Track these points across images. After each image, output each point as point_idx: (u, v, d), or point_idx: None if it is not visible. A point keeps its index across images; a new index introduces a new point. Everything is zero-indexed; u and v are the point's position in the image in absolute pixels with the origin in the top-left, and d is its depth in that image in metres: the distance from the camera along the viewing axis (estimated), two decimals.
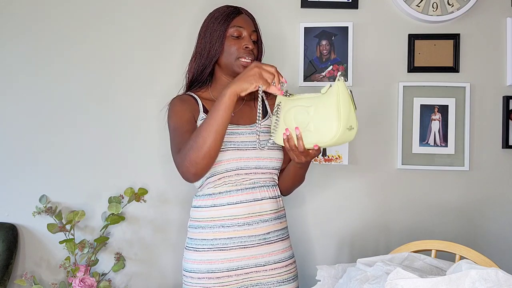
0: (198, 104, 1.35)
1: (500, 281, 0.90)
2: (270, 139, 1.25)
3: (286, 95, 1.21)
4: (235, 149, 1.28)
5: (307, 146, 1.16)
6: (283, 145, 1.21)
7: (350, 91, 1.14)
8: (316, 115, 1.13)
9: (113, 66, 1.76)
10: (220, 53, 1.33)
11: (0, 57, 1.77)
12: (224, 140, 1.25)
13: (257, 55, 1.39)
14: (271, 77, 1.17)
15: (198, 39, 1.41)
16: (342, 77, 1.13)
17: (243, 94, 1.17)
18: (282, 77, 1.19)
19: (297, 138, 1.16)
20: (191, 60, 1.43)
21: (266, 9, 1.74)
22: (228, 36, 1.33)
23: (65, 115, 1.76)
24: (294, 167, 1.33)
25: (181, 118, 1.31)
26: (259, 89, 1.17)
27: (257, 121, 1.22)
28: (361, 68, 1.74)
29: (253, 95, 1.43)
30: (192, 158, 1.18)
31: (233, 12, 1.35)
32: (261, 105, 1.21)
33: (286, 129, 1.18)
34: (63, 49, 1.77)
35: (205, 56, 1.36)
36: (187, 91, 1.44)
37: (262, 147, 1.25)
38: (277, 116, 1.23)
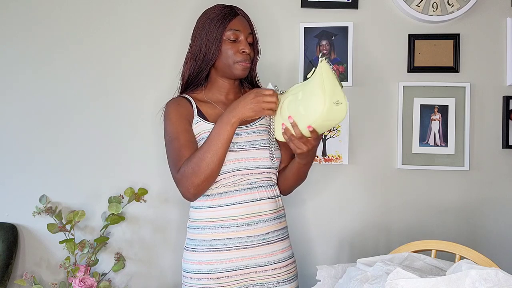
0: (192, 107, 1.34)
1: (500, 281, 0.90)
2: (270, 138, 1.28)
3: (280, 92, 1.23)
4: (230, 151, 1.27)
5: (303, 131, 1.16)
6: (284, 140, 1.22)
7: (334, 70, 1.17)
8: (304, 98, 1.15)
9: (113, 66, 1.77)
10: (217, 57, 1.32)
11: (0, 57, 1.77)
12: None
13: (253, 58, 1.38)
14: (273, 106, 1.19)
15: (192, 39, 1.37)
16: (324, 59, 1.15)
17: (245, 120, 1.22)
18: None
19: (292, 126, 1.17)
20: (185, 61, 1.39)
21: (266, 9, 1.73)
22: (224, 39, 1.30)
23: (65, 115, 1.76)
24: (298, 164, 1.31)
25: (177, 127, 1.31)
26: (270, 118, 1.26)
27: (270, 142, 1.30)
28: (361, 68, 1.74)
29: None
30: (194, 182, 1.22)
31: (229, 14, 1.31)
32: (273, 130, 1.27)
33: (282, 124, 1.20)
34: (62, 50, 1.77)
35: (201, 58, 1.33)
36: (182, 92, 1.43)
37: (273, 160, 1.31)
38: (272, 116, 1.26)
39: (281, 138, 1.23)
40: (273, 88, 1.21)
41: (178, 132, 1.30)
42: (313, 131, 1.15)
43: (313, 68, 1.16)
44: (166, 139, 1.33)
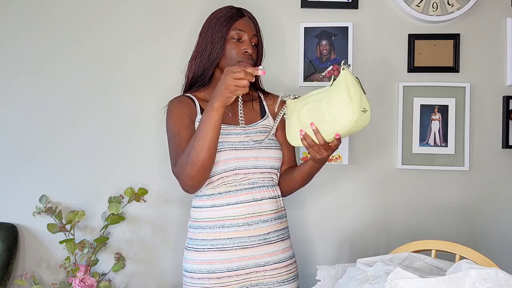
0: (195, 106, 1.35)
1: (500, 281, 0.90)
2: (266, 138, 1.30)
3: (292, 98, 1.27)
4: (232, 149, 1.28)
5: (328, 138, 1.20)
6: (301, 145, 1.24)
7: (356, 77, 1.19)
8: (329, 106, 1.18)
9: (113, 66, 1.76)
10: (221, 56, 1.33)
11: (0, 57, 1.77)
12: (221, 140, 1.27)
13: (256, 59, 1.39)
14: (244, 82, 1.13)
15: (199, 38, 1.40)
16: (346, 65, 1.18)
17: (228, 104, 1.18)
18: (254, 68, 1.14)
19: (314, 133, 1.20)
20: (191, 59, 1.42)
21: (266, 9, 1.73)
22: (229, 38, 1.33)
23: (65, 115, 1.76)
24: (310, 168, 1.32)
25: (179, 123, 1.32)
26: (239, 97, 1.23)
27: (240, 123, 1.30)
28: (361, 68, 1.74)
29: (251, 96, 1.44)
30: (188, 172, 1.21)
31: (236, 15, 1.34)
32: (242, 110, 1.31)
33: (301, 130, 1.22)
34: (63, 50, 1.77)
35: (206, 57, 1.35)
36: (186, 91, 1.44)
37: (255, 143, 1.30)
38: (284, 118, 1.30)
39: (295, 143, 1.27)
40: (284, 99, 1.27)
41: (179, 128, 1.31)
42: (339, 139, 1.20)
43: (333, 77, 1.20)
44: (168, 136, 1.35)
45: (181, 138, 1.29)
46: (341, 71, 1.18)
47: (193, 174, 1.21)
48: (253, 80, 1.15)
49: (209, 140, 1.19)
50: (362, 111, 1.16)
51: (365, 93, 1.19)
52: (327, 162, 1.72)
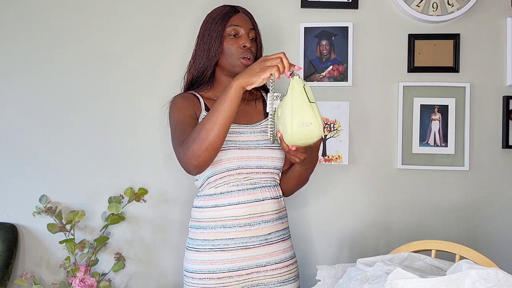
0: (200, 102, 1.36)
1: (500, 281, 0.91)
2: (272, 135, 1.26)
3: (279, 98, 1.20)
4: (236, 148, 1.28)
5: (291, 145, 1.16)
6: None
7: (304, 85, 1.14)
8: (280, 117, 1.15)
9: (113, 66, 1.76)
10: (220, 54, 1.34)
11: (0, 57, 1.77)
12: (225, 139, 1.26)
13: (256, 53, 1.39)
14: (279, 63, 1.13)
15: (197, 41, 1.41)
16: (295, 75, 1.14)
17: (249, 87, 1.15)
18: (292, 64, 1.15)
19: (280, 141, 1.17)
20: (190, 61, 1.43)
21: (266, 9, 1.74)
22: (225, 35, 1.33)
23: (65, 115, 1.76)
24: (299, 169, 1.32)
25: (183, 112, 1.31)
26: (271, 77, 1.14)
27: (269, 114, 1.17)
28: (361, 68, 1.74)
29: (254, 95, 1.44)
30: (194, 150, 1.17)
31: (230, 11, 1.35)
32: (272, 96, 1.16)
33: (277, 131, 1.18)
34: (63, 49, 1.77)
35: (205, 57, 1.36)
36: (186, 91, 1.44)
37: (272, 141, 1.22)
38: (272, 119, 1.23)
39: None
40: (275, 96, 1.18)
41: (183, 116, 1.30)
42: (297, 148, 1.15)
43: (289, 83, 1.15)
44: (171, 124, 1.33)
45: (185, 123, 1.28)
46: (291, 81, 1.13)
47: (199, 153, 1.16)
48: (288, 73, 1.13)
49: (223, 118, 1.15)
50: (302, 125, 1.10)
51: (313, 102, 1.13)
52: (327, 162, 1.74)
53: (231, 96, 1.15)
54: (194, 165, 1.19)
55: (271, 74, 1.13)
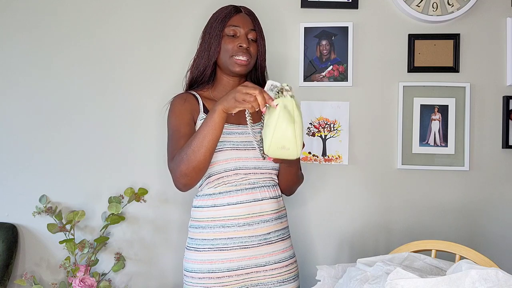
0: (199, 104, 1.36)
1: (500, 281, 0.91)
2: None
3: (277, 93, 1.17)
4: (233, 149, 1.29)
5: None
6: None
7: (294, 104, 1.10)
8: (264, 128, 1.14)
9: (113, 66, 1.77)
10: (218, 53, 1.35)
11: (0, 57, 1.77)
12: (223, 140, 1.27)
13: (256, 54, 1.39)
14: (251, 99, 1.10)
15: (200, 40, 1.42)
16: (289, 94, 1.11)
17: (231, 111, 1.16)
18: (271, 98, 1.11)
19: None
20: (192, 60, 1.44)
21: (266, 9, 1.74)
22: (224, 35, 1.34)
23: (65, 115, 1.76)
24: (283, 165, 1.33)
25: (180, 120, 1.32)
26: (246, 112, 1.18)
27: (254, 140, 1.20)
28: (361, 68, 1.74)
29: None
30: (182, 170, 1.21)
31: (232, 12, 1.36)
32: (251, 125, 1.19)
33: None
34: (64, 49, 1.77)
35: (206, 56, 1.37)
36: (187, 90, 1.45)
37: (264, 157, 1.22)
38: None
39: None
40: (272, 86, 1.15)
41: (180, 124, 1.32)
42: (276, 160, 1.19)
43: (280, 97, 1.11)
44: (168, 131, 1.35)
45: (180, 134, 1.30)
46: (282, 99, 1.09)
47: (186, 172, 1.21)
48: (262, 109, 1.11)
49: (208, 142, 1.19)
50: (280, 148, 1.10)
51: (299, 122, 1.09)
52: (327, 162, 1.74)
53: (214, 120, 1.18)
54: (182, 183, 1.24)
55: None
